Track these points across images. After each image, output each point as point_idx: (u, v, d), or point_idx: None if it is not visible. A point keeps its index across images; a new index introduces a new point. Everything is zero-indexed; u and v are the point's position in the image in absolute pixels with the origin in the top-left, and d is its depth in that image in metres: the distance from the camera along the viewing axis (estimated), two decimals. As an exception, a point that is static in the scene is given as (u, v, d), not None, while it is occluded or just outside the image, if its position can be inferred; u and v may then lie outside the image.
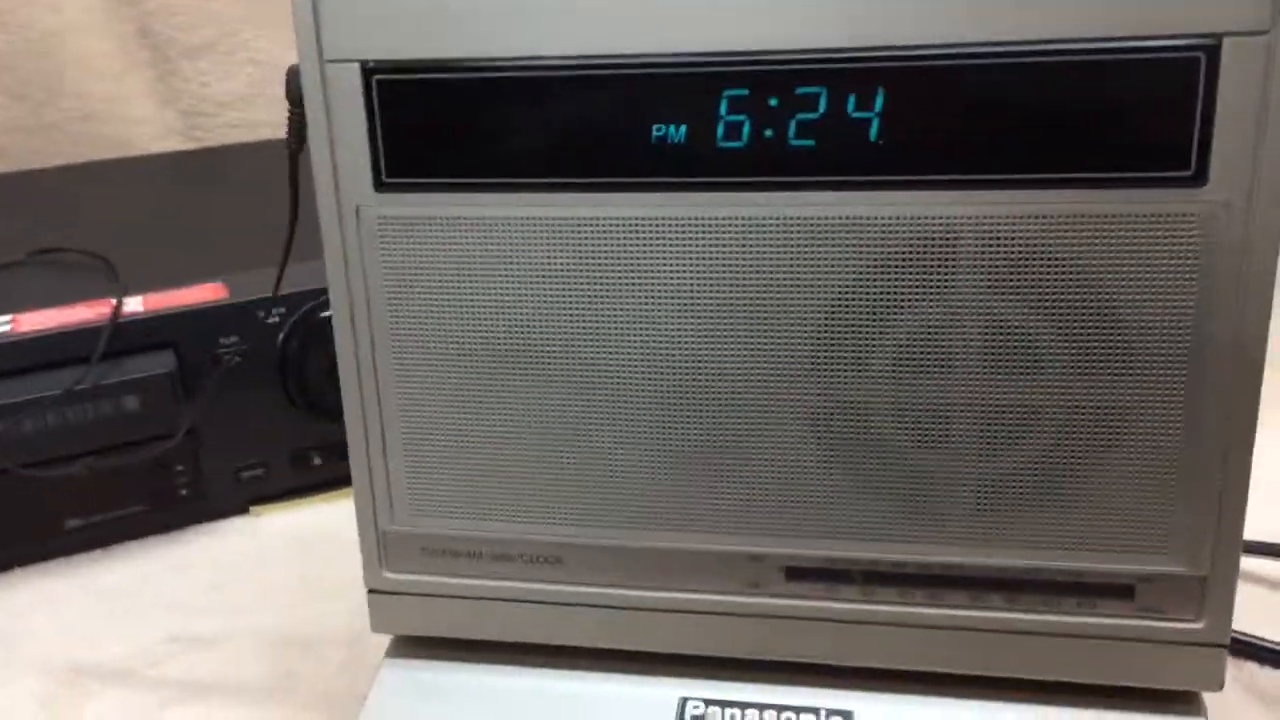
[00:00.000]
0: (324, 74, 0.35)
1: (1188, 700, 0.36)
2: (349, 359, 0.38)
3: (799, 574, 0.37)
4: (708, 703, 0.38)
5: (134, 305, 0.57)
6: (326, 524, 0.59)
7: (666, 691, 0.39)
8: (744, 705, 0.38)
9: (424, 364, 0.37)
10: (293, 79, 0.36)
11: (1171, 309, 0.32)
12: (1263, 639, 0.44)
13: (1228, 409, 0.33)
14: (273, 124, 0.94)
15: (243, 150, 0.89)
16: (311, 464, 0.62)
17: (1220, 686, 0.35)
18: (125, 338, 0.55)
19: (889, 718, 0.37)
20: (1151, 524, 0.34)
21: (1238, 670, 0.43)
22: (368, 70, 0.34)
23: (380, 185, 0.36)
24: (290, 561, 0.56)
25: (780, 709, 0.38)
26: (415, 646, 0.41)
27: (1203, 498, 0.33)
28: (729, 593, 0.37)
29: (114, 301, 0.56)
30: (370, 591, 0.40)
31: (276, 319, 0.58)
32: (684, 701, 0.38)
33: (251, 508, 0.61)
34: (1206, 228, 0.31)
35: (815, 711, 0.37)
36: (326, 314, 0.59)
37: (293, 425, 0.60)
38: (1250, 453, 0.33)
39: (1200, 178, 0.31)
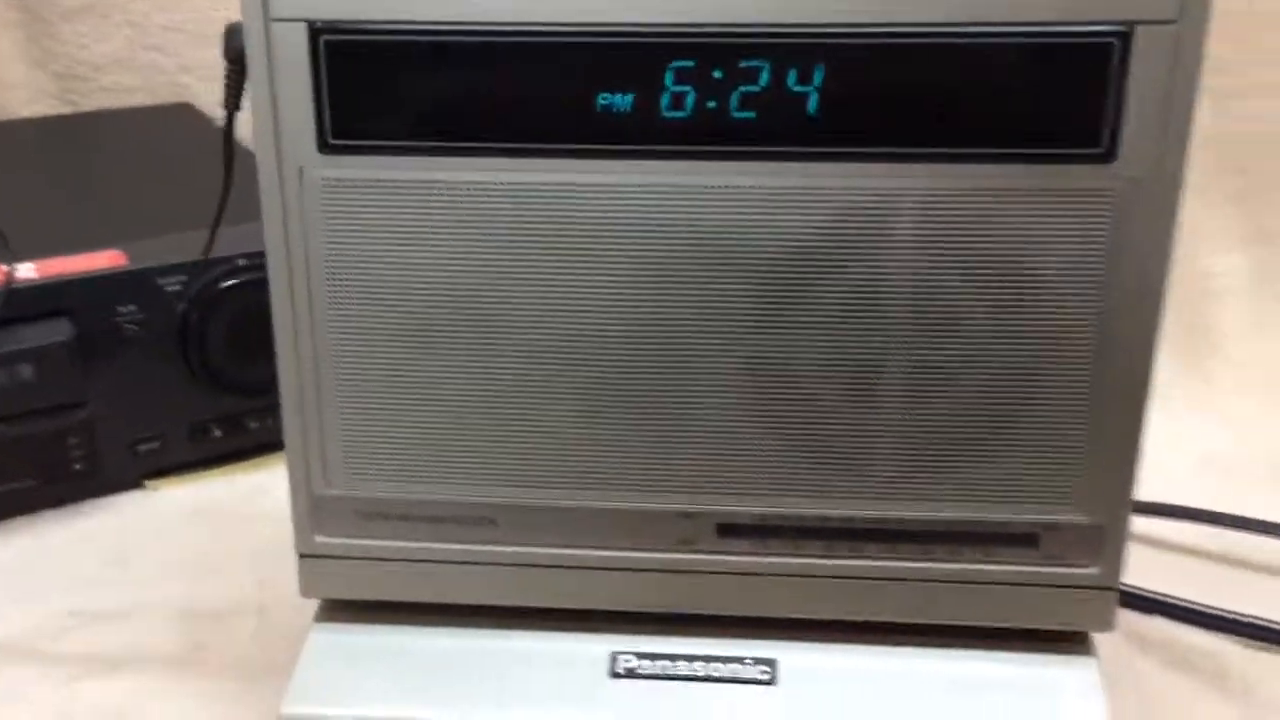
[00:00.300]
0: (269, 32, 0.34)
1: (1079, 639, 0.39)
2: (285, 323, 0.38)
3: (730, 530, 0.38)
4: (639, 655, 0.39)
5: (27, 272, 0.55)
6: (225, 498, 0.59)
7: (598, 647, 0.40)
8: (673, 657, 0.39)
9: (362, 328, 0.37)
10: (232, 36, 0.36)
11: (1082, 276, 0.35)
12: (1140, 588, 0.47)
13: (1127, 371, 0.36)
14: (148, 88, 0.91)
15: (122, 115, 0.86)
16: (211, 436, 0.61)
17: (1112, 627, 0.39)
18: (18, 305, 0.53)
19: (810, 665, 0.39)
20: (1057, 477, 0.37)
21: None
22: (315, 30, 0.34)
23: (325, 147, 0.36)
24: (190, 535, 0.55)
25: (708, 659, 0.39)
26: (344, 610, 0.41)
27: (1103, 453, 0.36)
28: (662, 550, 0.39)
29: (5, 268, 0.54)
30: (301, 556, 0.40)
31: (177, 287, 0.57)
32: (615, 655, 0.40)
33: (147, 481, 0.59)
34: (1116, 202, 0.34)
35: (741, 661, 0.39)
36: (229, 283, 0.58)
37: (192, 397, 0.59)
38: (1144, 414, 0.36)
39: (1111, 155, 0.34)
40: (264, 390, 0.60)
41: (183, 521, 0.56)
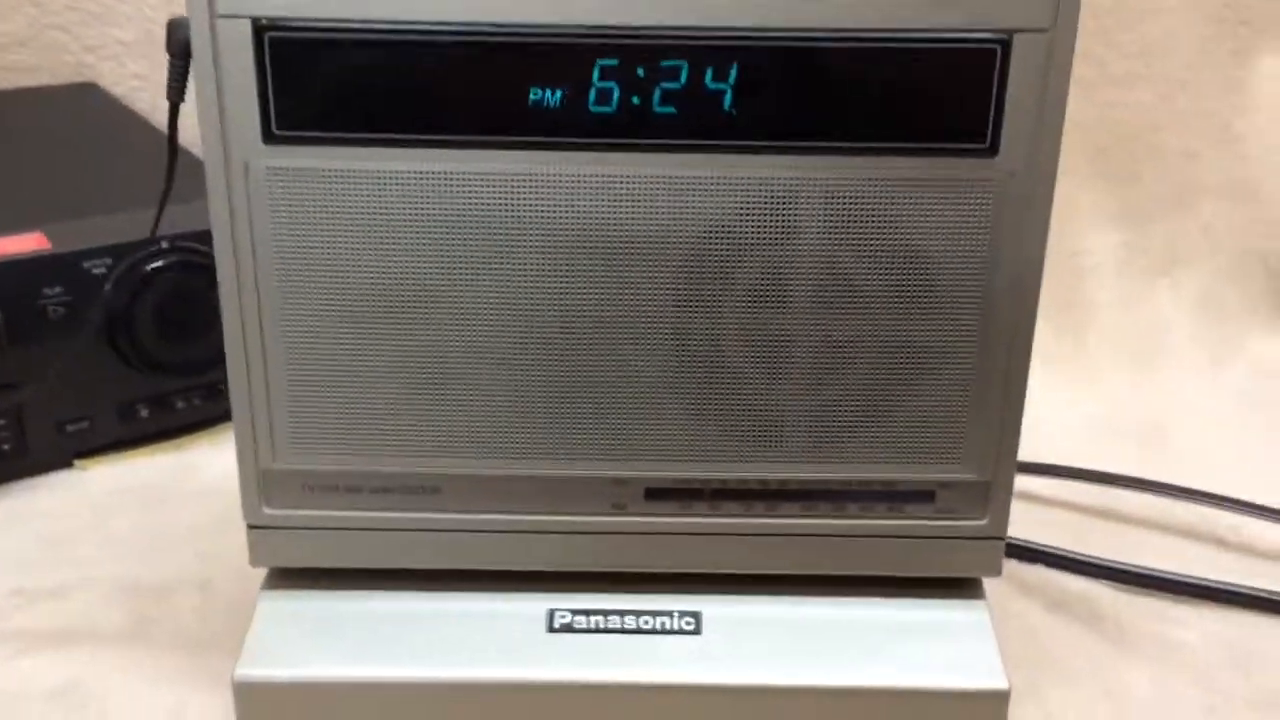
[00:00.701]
0: (214, 29, 0.36)
1: (971, 585, 0.43)
2: (232, 305, 0.39)
3: (657, 494, 0.41)
4: (574, 612, 0.42)
5: (-52, 256, 0.55)
6: (156, 476, 0.59)
7: (535, 605, 0.42)
8: (606, 612, 0.42)
9: (307, 310, 0.39)
10: (175, 31, 0.38)
11: (968, 258, 0.38)
12: (1024, 540, 0.52)
13: (1009, 343, 0.39)
14: (50, 68, 0.89)
15: (25, 95, 0.85)
16: (139, 416, 0.61)
17: (999, 573, 0.43)
18: (-59, 290, 0.54)
19: (731, 615, 0.42)
20: (949, 439, 0.40)
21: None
22: (259, 27, 0.36)
23: (269, 138, 0.37)
24: (125, 513, 0.56)
25: (638, 613, 0.42)
26: (291, 578, 0.43)
27: (989, 417, 0.40)
28: (595, 514, 0.42)
29: (-72, 252, 0.54)
30: (250, 528, 0.42)
31: (103, 270, 0.58)
32: (552, 613, 0.42)
33: (77, 461, 0.60)
34: (997, 191, 0.38)
35: (669, 614, 0.42)
36: (154, 265, 0.59)
37: (119, 378, 0.60)
38: (1025, 380, 0.40)
39: (994, 149, 0.37)
40: (191, 371, 0.61)
41: (115, 500, 0.57)
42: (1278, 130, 0.75)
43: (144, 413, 0.62)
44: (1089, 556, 0.51)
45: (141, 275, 0.58)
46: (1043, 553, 0.51)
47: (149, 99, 0.84)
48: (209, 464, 0.60)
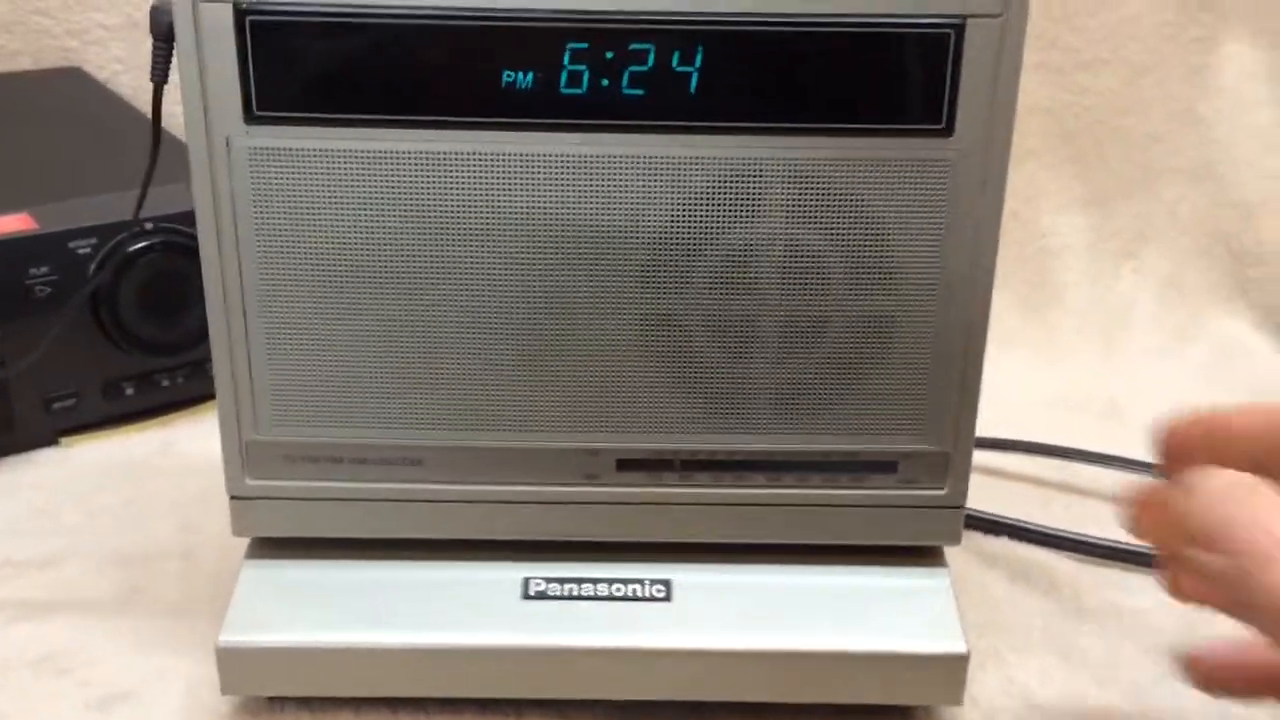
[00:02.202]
0: (196, 13, 0.37)
1: (934, 554, 0.45)
2: (215, 281, 0.40)
3: (628, 465, 0.43)
4: (548, 580, 0.44)
5: (-63, 236, 0.56)
6: (139, 453, 0.61)
7: (511, 574, 0.44)
8: (579, 580, 0.44)
9: (288, 285, 0.40)
10: (157, 15, 0.39)
11: (926, 235, 0.40)
12: (986, 512, 0.53)
13: (967, 317, 0.41)
14: (33, 52, 0.90)
15: (9, 79, 0.85)
16: (124, 394, 0.62)
17: (959, 541, 0.44)
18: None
19: (701, 583, 0.43)
20: (910, 411, 0.42)
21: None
22: (240, 10, 0.37)
23: (250, 118, 0.39)
24: (109, 487, 0.57)
25: (610, 581, 0.43)
26: (273, 547, 0.44)
27: (948, 389, 0.42)
28: (569, 484, 0.43)
29: (-84, 231, 0.55)
30: (232, 498, 0.43)
31: (88, 250, 0.59)
32: (527, 581, 0.44)
33: (62, 438, 0.61)
34: (953, 170, 0.39)
35: (640, 582, 0.44)
36: (138, 245, 0.60)
37: (105, 356, 0.61)
38: (982, 354, 0.41)
39: (949, 130, 0.39)
40: (175, 350, 0.62)
41: (101, 475, 0.58)
42: (1240, 114, 0.77)
43: (129, 391, 0.63)
44: (1049, 529, 0.52)
45: (126, 255, 0.59)
46: (1005, 525, 0.53)
47: (132, 82, 0.85)
48: (192, 441, 0.61)
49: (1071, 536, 0.52)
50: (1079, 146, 0.76)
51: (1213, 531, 0.31)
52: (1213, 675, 0.38)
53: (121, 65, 0.85)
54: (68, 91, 0.81)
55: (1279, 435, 0.34)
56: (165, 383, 0.63)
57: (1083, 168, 0.76)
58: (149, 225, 0.60)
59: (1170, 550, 0.35)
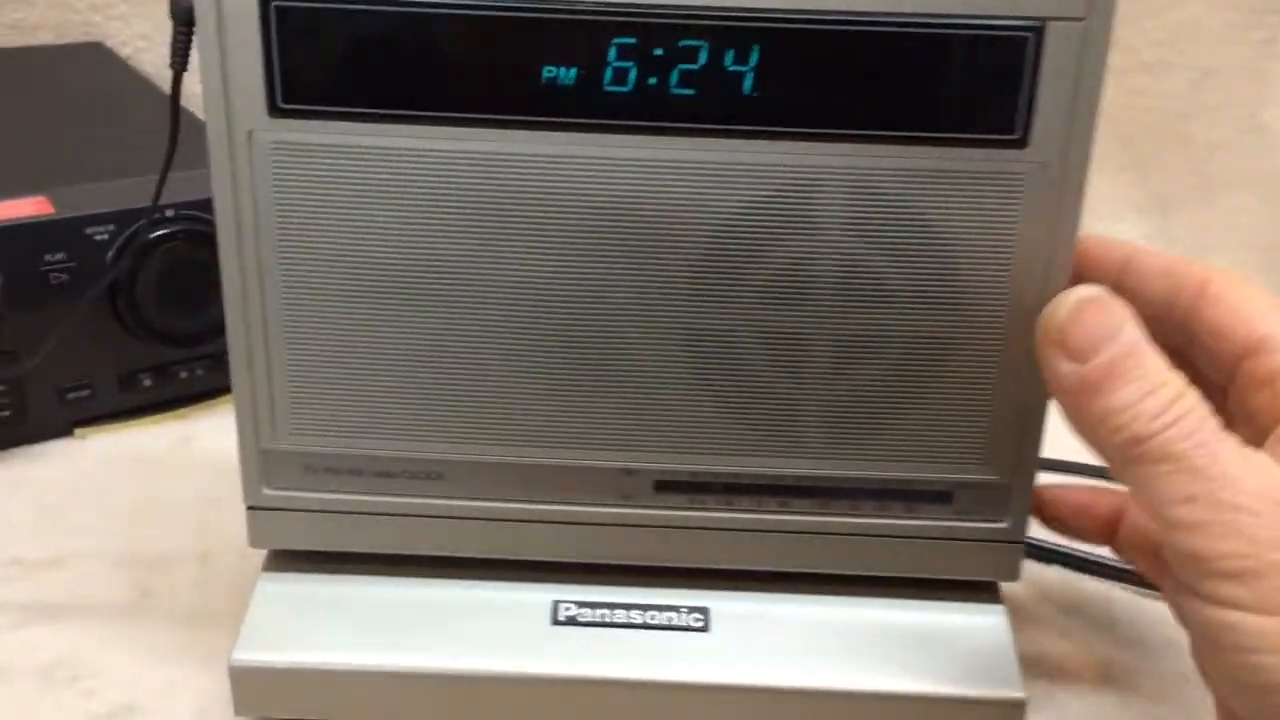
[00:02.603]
0: (220, -2, 0.35)
1: (988, 588, 0.42)
2: (234, 282, 0.38)
3: (667, 486, 0.40)
4: (579, 604, 0.41)
5: (-51, 220, 0.54)
6: (156, 447, 0.59)
7: (539, 596, 0.41)
8: (611, 605, 0.41)
9: (311, 288, 0.38)
10: (179, -1, 0.36)
11: (994, 253, 0.37)
12: (1041, 540, 0.51)
13: (1034, 342, 0.38)
14: (55, 26, 0.88)
15: (30, 54, 0.83)
16: (141, 386, 0.60)
17: (1017, 577, 0.41)
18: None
19: (740, 612, 0.41)
20: (970, 439, 0.39)
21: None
22: (266, -4, 0.35)
23: (275, 111, 0.36)
24: (123, 484, 0.55)
25: (645, 608, 0.41)
26: (292, 560, 0.42)
27: (1010, 418, 0.39)
28: (603, 504, 0.41)
29: (-73, 215, 0.53)
30: (250, 508, 0.41)
31: (106, 236, 0.57)
32: (556, 604, 0.41)
33: (76, 430, 0.59)
34: (1027, 184, 0.36)
35: (675, 609, 0.41)
36: (158, 233, 0.57)
37: (121, 346, 0.59)
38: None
39: (1024, 141, 0.36)
40: (194, 340, 0.61)
41: (114, 470, 0.56)
42: (1308, 122, 0.74)
43: (146, 382, 0.61)
44: (1106, 559, 0.50)
45: (146, 242, 0.57)
46: (1059, 553, 0.50)
47: (155, 60, 0.83)
48: (209, 435, 0.60)
49: (1130, 567, 0.49)
50: (1137, 152, 0.73)
51: (1079, 341, 0.33)
52: (1059, 516, 0.42)
53: (145, 42, 0.84)
54: (89, 68, 0.79)
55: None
56: (184, 375, 0.61)
57: (1140, 174, 0.73)
58: (170, 212, 0.58)
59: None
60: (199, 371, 0.62)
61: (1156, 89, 0.73)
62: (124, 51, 0.83)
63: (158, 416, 0.61)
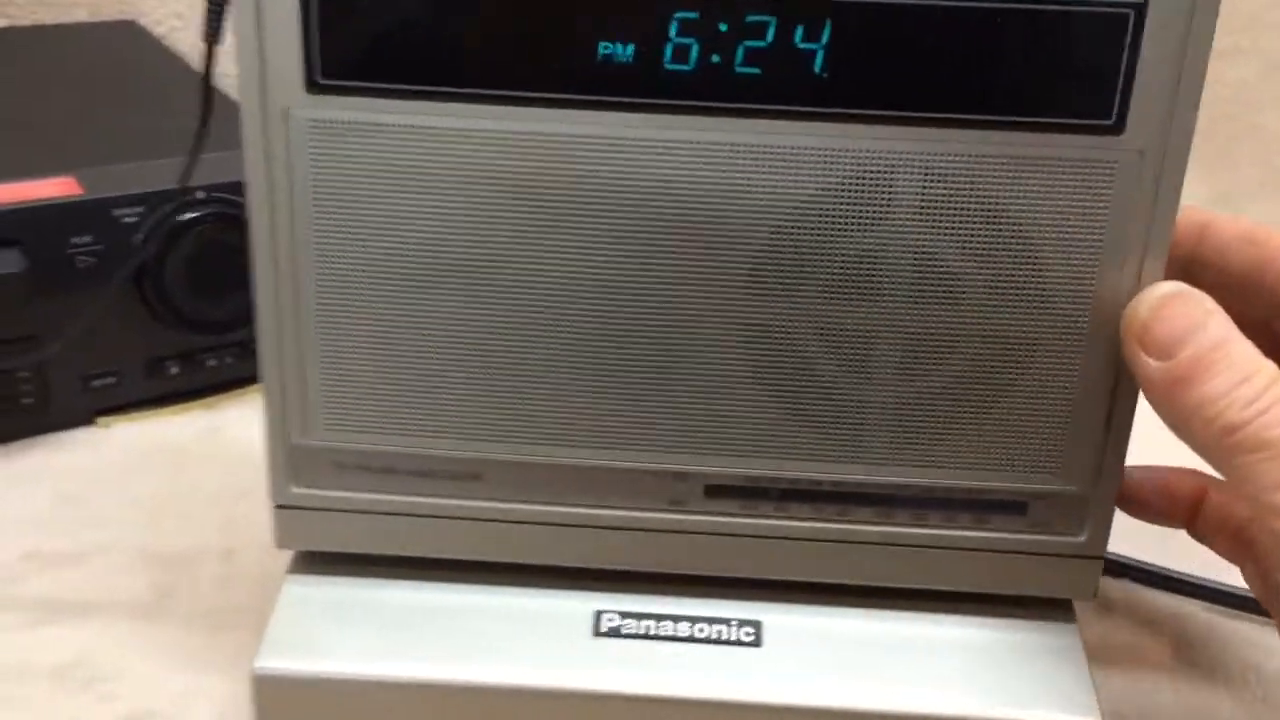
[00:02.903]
0: (255, -37, 0.33)
1: (1061, 607, 0.39)
2: (266, 266, 0.36)
3: (719, 491, 0.38)
4: (623, 615, 0.39)
5: (-27, 199, 0.52)
6: (181, 437, 0.57)
7: (580, 605, 0.39)
8: (658, 617, 0.39)
9: (348, 275, 0.36)
10: (213, -34, 0.34)
11: (1083, 249, 0.34)
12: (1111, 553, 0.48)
13: (1120, 345, 0.35)
14: (86, 4, 0.87)
15: (63, 31, 0.82)
16: (168, 374, 0.59)
17: (1094, 595, 0.39)
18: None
19: (795, 627, 0.39)
20: (1047, 446, 0.37)
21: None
22: (305, -37, 0.33)
23: (313, 86, 0.34)
24: (146, 475, 0.54)
25: (693, 620, 0.39)
26: (319, 562, 0.40)
27: (1093, 424, 0.36)
28: (650, 509, 0.38)
29: (-48, 194, 0.51)
30: (277, 507, 0.39)
31: (135, 219, 0.55)
32: (599, 615, 0.39)
33: (99, 418, 0.58)
34: (1121, 174, 0.34)
35: (726, 622, 0.39)
36: (188, 216, 0.56)
37: (148, 332, 0.57)
38: (1137, 389, 0.36)
39: (1119, 127, 0.33)
40: (223, 327, 0.59)
41: (138, 460, 0.55)
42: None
43: (173, 370, 0.59)
44: (1181, 574, 0.47)
45: (175, 226, 0.55)
46: (1129, 567, 0.47)
47: (190, 40, 0.81)
48: (236, 425, 0.58)
49: (1209, 585, 0.47)
50: (1206, 142, 0.70)
51: (1164, 338, 0.33)
52: (1141, 498, 0.40)
53: (180, 21, 0.82)
54: (121, 47, 0.78)
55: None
56: (212, 362, 0.60)
57: (1209, 167, 0.70)
58: (200, 194, 0.56)
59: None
60: (228, 360, 0.60)
61: (1228, 77, 0.69)
62: (158, 30, 0.82)
63: (184, 405, 0.59)
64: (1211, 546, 0.41)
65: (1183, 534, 0.51)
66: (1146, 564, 0.48)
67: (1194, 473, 0.40)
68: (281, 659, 0.38)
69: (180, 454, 0.55)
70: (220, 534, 0.49)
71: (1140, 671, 0.44)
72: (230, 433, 0.57)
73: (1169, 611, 0.47)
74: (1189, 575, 0.47)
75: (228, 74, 0.36)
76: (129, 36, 0.79)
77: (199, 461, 0.55)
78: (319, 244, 0.36)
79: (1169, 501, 0.41)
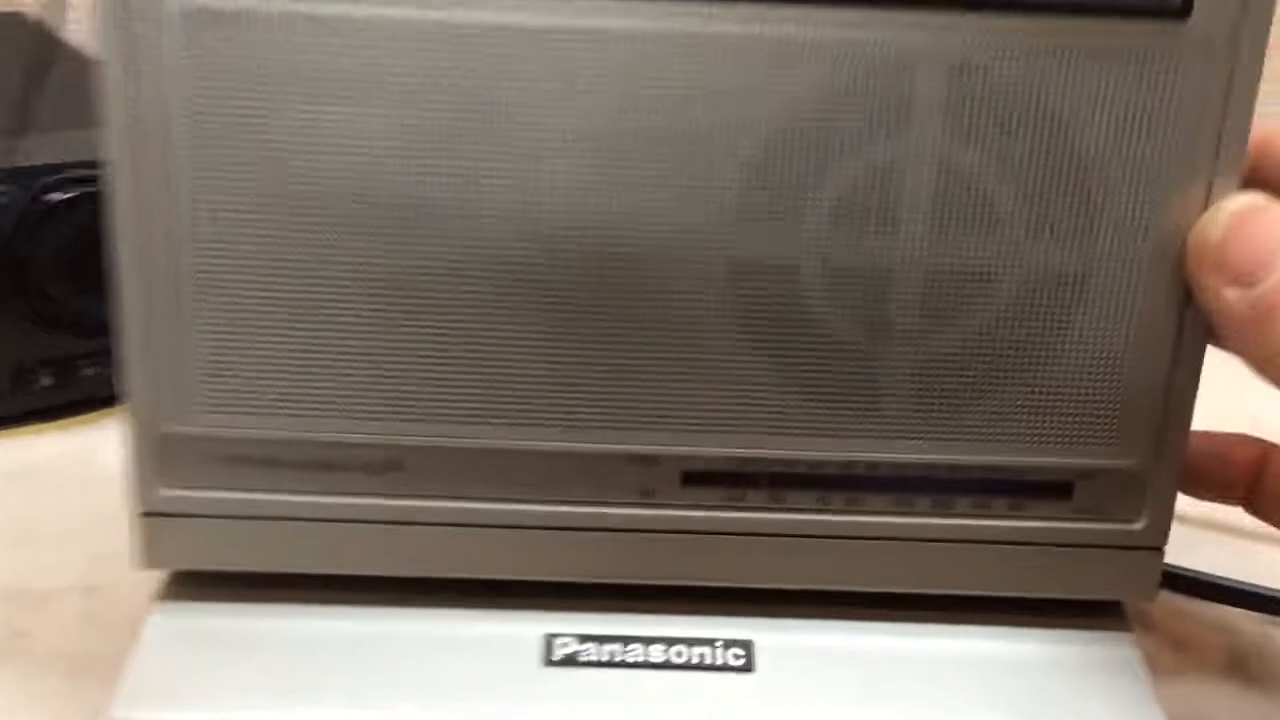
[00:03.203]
0: None
1: (1113, 613, 0.34)
2: (127, 205, 0.30)
3: (699, 479, 0.32)
4: (580, 638, 0.32)
5: None
6: (52, 458, 0.51)
7: (527, 629, 0.33)
8: (624, 640, 0.33)
9: (233, 214, 0.30)
10: None
11: (1141, 161, 0.29)
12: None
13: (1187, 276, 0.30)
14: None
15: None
16: (38, 385, 0.52)
17: (1154, 596, 0.33)
18: None
19: (793, 647, 0.33)
20: (1098, 412, 0.31)
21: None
22: None
23: (181, -38, 0.27)
24: (10, 500, 0.47)
25: (669, 642, 0.33)
26: (195, 585, 0.34)
27: (1153, 383, 0.31)
28: (614, 504, 0.32)
29: None
30: (141, 515, 0.32)
31: (4, 200, 0.48)
32: (550, 639, 0.32)
33: (-46, 437, 0.50)
34: (1186, 67, 0.29)
35: (710, 644, 0.33)
36: (62, 196, 0.49)
37: (16, 335, 0.50)
38: (1205, 339, 0.31)
39: (1185, 10, 0.28)
40: (102, 330, 0.52)
41: (1, 484, 0.48)
42: None
43: (44, 381, 0.53)
44: (1231, 580, 0.42)
45: (45, 207, 0.49)
46: (1174, 573, 0.41)
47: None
48: (116, 447, 0.50)
49: (1261, 592, 0.41)
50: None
51: (1244, 261, 0.28)
52: (1196, 466, 0.35)
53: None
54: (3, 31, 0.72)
55: None
56: (90, 371, 0.53)
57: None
58: (79, 172, 0.49)
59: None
60: (106, 369, 0.53)
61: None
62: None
63: (57, 423, 0.53)
64: (1274, 522, 0.36)
65: (1205, 536, 0.46)
66: (1188, 569, 0.42)
67: (1253, 439, 0.37)
68: (141, 707, 0.31)
69: (47, 478, 0.49)
70: (87, 568, 0.43)
71: (1187, 687, 0.38)
72: (109, 456, 0.50)
73: (1215, 622, 0.42)
74: (1240, 582, 0.41)
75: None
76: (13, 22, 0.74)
77: (71, 487, 0.49)
78: (195, 174, 0.29)
79: (1228, 472, 0.36)
